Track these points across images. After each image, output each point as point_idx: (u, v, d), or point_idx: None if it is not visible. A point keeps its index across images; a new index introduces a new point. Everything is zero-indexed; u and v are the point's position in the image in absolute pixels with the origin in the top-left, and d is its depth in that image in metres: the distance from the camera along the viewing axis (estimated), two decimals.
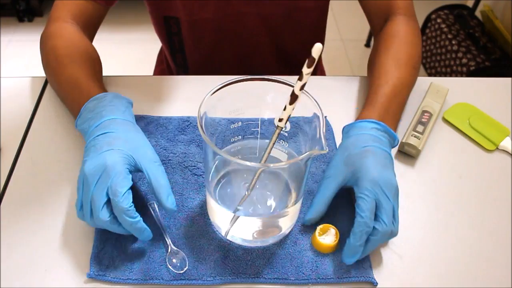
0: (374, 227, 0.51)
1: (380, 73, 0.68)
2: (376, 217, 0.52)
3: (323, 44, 1.00)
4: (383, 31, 0.74)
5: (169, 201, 0.53)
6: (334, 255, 0.53)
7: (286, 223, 0.54)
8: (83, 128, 0.58)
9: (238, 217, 0.51)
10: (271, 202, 0.56)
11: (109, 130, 0.55)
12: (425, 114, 0.70)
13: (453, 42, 1.79)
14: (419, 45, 0.72)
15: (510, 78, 0.81)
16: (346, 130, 0.61)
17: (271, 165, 0.47)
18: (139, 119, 0.68)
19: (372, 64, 0.72)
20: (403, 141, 0.66)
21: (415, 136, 0.66)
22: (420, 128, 0.67)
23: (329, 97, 0.75)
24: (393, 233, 0.52)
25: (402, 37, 0.71)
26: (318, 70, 1.01)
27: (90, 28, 0.75)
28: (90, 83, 0.64)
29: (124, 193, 0.50)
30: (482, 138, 0.69)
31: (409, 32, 0.72)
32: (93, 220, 0.51)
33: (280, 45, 0.89)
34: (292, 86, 0.50)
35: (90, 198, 0.50)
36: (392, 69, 0.67)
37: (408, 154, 0.66)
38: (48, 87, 0.74)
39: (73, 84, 0.64)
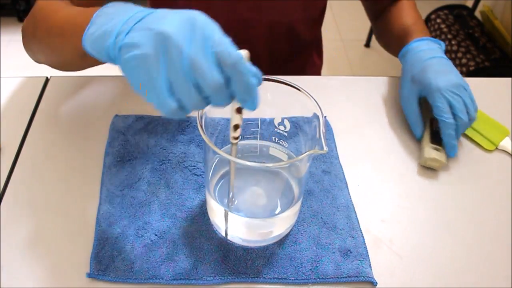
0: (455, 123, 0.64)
1: (401, 24, 0.79)
2: (453, 115, 0.64)
3: (320, 47, 1.00)
4: (391, 7, 0.84)
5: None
6: (334, 255, 0.53)
7: (286, 223, 0.54)
8: (104, 32, 0.42)
9: (228, 213, 0.51)
10: (271, 202, 0.56)
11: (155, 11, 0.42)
12: (435, 121, 0.68)
13: (453, 42, 1.79)
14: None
15: (509, 78, 0.81)
16: (402, 54, 0.73)
17: (271, 164, 0.47)
18: (139, 119, 0.68)
19: (390, 28, 0.82)
20: (426, 156, 0.64)
21: (435, 149, 0.65)
22: (437, 139, 0.66)
23: (329, 97, 0.75)
24: (471, 120, 0.65)
25: (409, 6, 0.83)
26: (313, 66, 1.00)
27: None
28: (98, 7, 0.48)
29: (230, 41, 0.39)
30: (482, 138, 0.69)
31: (413, 4, 0.84)
32: (197, 96, 0.39)
33: (275, 54, 0.90)
34: (293, 86, 0.51)
35: (185, 67, 0.38)
36: (409, 18, 0.80)
37: (431, 168, 0.65)
38: (48, 87, 0.74)
39: (76, 13, 0.52)
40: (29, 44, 0.65)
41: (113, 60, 0.43)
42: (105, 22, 0.43)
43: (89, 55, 0.47)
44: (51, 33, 0.56)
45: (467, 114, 0.65)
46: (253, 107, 0.40)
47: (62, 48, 0.55)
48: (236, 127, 0.44)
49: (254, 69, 0.40)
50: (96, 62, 0.53)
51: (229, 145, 0.56)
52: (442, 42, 0.72)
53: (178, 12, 0.40)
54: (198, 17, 0.39)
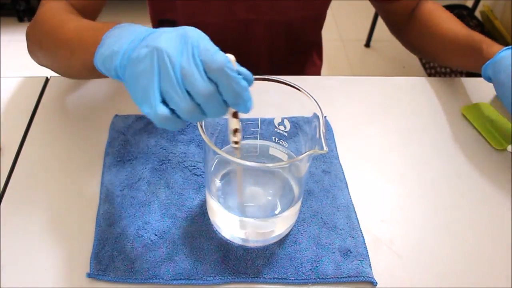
0: None
1: (453, 29, 0.77)
2: None
3: (320, 47, 1.00)
4: (420, 11, 0.83)
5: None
6: (334, 255, 0.53)
7: (286, 223, 0.54)
8: (112, 52, 0.45)
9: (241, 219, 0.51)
10: (271, 202, 0.56)
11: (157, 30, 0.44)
12: None
13: None
14: None
15: None
16: (491, 65, 0.67)
17: (271, 165, 0.47)
18: (139, 119, 0.68)
19: (435, 31, 0.79)
20: None
21: None
22: None
23: (329, 97, 0.75)
24: None
25: (441, 9, 0.82)
26: (313, 66, 1.01)
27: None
28: (104, 24, 0.52)
29: (217, 49, 0.40)
30: (492, 136, 0.69)
31: (440, 6, 0.83)
32: (189, 102, 0.40)
33: (275, 54, 0.90)
34: (293, 86, 0.51)
35: (177, 75, 0.40)
36: (457, 24, 0.78)
37: None
38: (48, 87, 0.74)
39: (84, 28, 0.55)
40: (34, 51, 0.66)
41: (120, 78, 0.45)
42: (113, 43, 0.46)
43: (97, 70, 0.50)
44: (59, 47, 0.58)
45: None
46: (245, 110, 0.42)
47: (70, 61, 0.57)
48: (235, 131, 0.45)
49: (243, 70, 0.41)
50: (104, 76, 0.55)
51: (229, 146, 0.57)
52: None
53: (174, 29, 0.43)
54: (190, 31, 0.42)
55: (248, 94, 0.41)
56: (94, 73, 0.53)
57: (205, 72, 0.40)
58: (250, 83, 0.42)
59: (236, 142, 0.46)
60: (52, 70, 0.67)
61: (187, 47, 0.40)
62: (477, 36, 0.73)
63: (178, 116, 0.41)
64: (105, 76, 0.54)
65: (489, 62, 0.68)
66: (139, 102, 0.42)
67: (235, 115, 0.43)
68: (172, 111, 0.41)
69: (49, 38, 0.60)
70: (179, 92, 0.40)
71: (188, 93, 0.40)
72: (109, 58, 0.45)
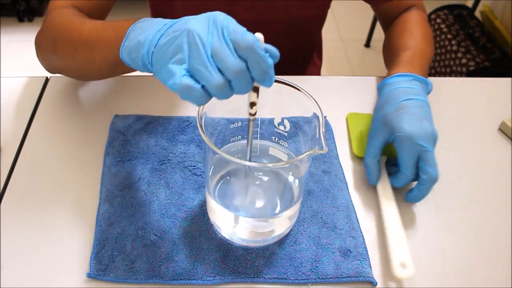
0: (421, 177, 0.57)
1: (399, 46, 0.74)
2: (421, 168, 0.57)
3: (320, 47, 1.00)
4: (398, 18, 0.81)
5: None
6: (334, 255, 0.53)
7: (286, 223, 0.54)
8: (138, 42, 0.47)
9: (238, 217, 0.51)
10: (271, 202, 0.56)
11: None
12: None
13: (453, 42, 1.79)
14: (430, 29, 0.79)
15: (509, 78, 0.81)
16: (380, 88, 0.66)
17: (271, 165, 0.47)
18: (139, 119, 0.68)
19: (389, 44, 0.79)
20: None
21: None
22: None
23: (329, 97, 0.75)
24: (436, 179, 0.57)
25: (416, 20, 0.78)
26: (313, 65, 1.01)
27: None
28: (123, 20, 0.53)
29: (245, 29, 0.42)
30: (358, 145, 0.67)
31: (421, 18, 0.79)
32: (220, 77, 0.42)
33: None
34: (293, 86, 0.51)
35: (208, 53, 0.42)
36: (410, 40, 0.74)
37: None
38: (48, 87, 0.74)
39: (102, 26, 0.56)
40: (47, 57, 0.66)
41: (147, 67, 0.47)
42: (138, 34, 0.48)
43: (120, 65, 0.52)
44: (77, 47, 0.59)
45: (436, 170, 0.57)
46: (269, 85, 0.44)
47: (90, 59, 0.58)
48: (252, 104, 0.47)
49: (270, 47, 0.44)
50: (126, 71, 0.57)
51: (229, 146, 0.57)
52: (429, 82, 0.64)
53: (201, 14, 0.45)
54: (218, 15, 0.44)
55: (273, 71, 0.43)
56: (116, 68, 0.55)
57: (234, 51, 0.42)
58: (276, 59, 0.44)
59: (252, 114, 0.48)
60: (67, 75, 0.67)
61: (217, 28, 0.43)
62: (399, 59, 0.69)
63: (205, 92, 0.43)
64: (129, 70, 0.56)
65: (379, 85, 0.67)
66: (165, 78, 0.43)
67: (255, 89, 0.46)
68: (202, 87, 0.42)
69: (64, 41, 0.60)
70: (210, 69, 0.41)
71: (219, 70, 0.42)
72: (135, 49, 0.47)
